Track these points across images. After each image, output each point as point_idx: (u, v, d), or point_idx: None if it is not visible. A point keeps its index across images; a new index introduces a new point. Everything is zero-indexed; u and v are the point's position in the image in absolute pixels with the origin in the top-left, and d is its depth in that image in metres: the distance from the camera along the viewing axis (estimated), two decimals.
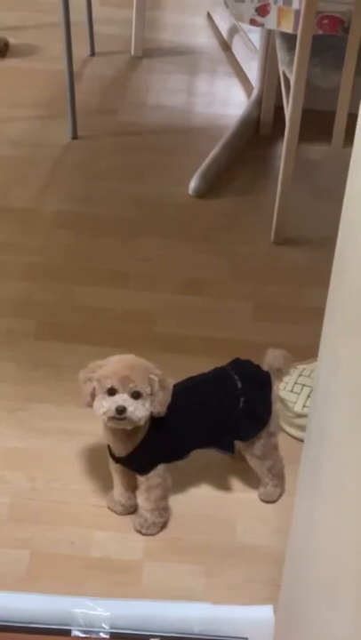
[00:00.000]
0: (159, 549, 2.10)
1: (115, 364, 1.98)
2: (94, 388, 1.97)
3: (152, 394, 1.97)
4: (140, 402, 1.95)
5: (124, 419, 1.94)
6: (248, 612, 1.95)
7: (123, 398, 1.94)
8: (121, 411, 1.93)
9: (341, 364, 1.31)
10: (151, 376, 1.98)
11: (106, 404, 1.94)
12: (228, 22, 3.86)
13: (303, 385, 2.34)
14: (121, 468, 2.10)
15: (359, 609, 1.21)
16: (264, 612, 1.92)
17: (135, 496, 2.11)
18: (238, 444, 2.14)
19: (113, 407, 1.93)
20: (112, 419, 1.95)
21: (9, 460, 2.27)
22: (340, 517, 1.31)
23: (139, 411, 1.95)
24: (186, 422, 2.07)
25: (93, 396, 1.97)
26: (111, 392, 1.95)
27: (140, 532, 2.12)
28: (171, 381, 2.02)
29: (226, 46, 3.87)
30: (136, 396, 1.95)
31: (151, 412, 1.98)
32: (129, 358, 2.00)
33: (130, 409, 1.93)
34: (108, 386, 1.95)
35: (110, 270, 2.80)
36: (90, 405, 1.98)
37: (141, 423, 1.97)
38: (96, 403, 1.96)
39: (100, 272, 2.79)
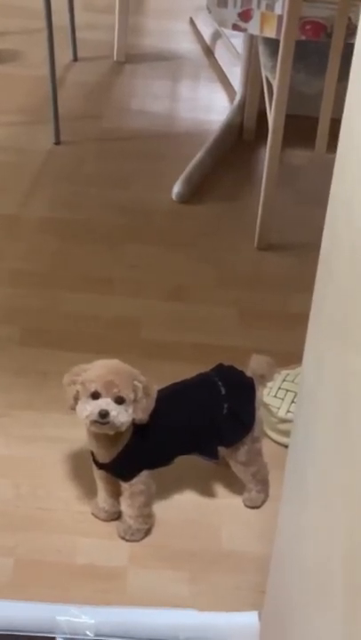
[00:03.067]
0: (144, 556, 2.10)
1: (99, 369, 1.98)
2: (78, 392, 1.96)
3: (135, 400, 1.97)
4: (123, 407, 1.94)
5: (107, 423, 1.94)
6: (233, 619, 1.95)
7: (106, 402, 1.93)
8: (104, 415, 1.92)
9: (326, 368, 1.31)
10: (135, 382, 1.97)
11: (89, 408, 1.94)
12: (211, 28, 3.86)
13: (287, 390, 2.34)
14: (104, 475, 2.09)
15: (346, 614, 1.21)
16: (249, 619, 1.92)
17: (119, 502, 2.11)
18: (222, 450, 2.13)
19: (96, 411, 1.93)
20: (94, 423, 1.95)
21: None
22: (326, 522, 1.31)
23: (121, 416, 1.94)
24: (169, 429, 2.06)
25: (77, 399, 1.97)
26: (95, 396, 1.94)
27: (124, 538, 2.11)
28: (155, 389, 2.01)
29: (209, 52, 3.88)
30: (119, 401, 1.94)
31: (133, 419, 1.98)
32: (114, 363, 2.00)
33: (113, 414, 1.93)
34: (92, 390, 1.95)
35: (95, 276, 2.80)
36: (73, 409, 1.97)
37: (123, 429, 1.97)
38: (79, 406, 1.96)
39: (86, 278, 2.79)
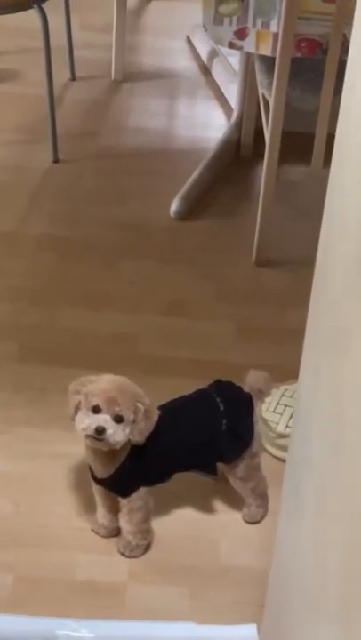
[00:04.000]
0: (143, 572, 2.10)
1: (105, 383, 1.98)
2: (80, 402, 1.96)
3: (134, 421, 1.97)
4: (120, 426, 1.94)
5: (102, 440, 1.94)
6: (232, 632, 1.95)
7: (105, 419, 1.93)
8: (100, 431, 1.93)
9: (321, 381, 1.32)
10: (138, 404, 1.97)
11: (87, 421, 1.94)
12: (208, 46, 3.88)
13: (286, 405, 2.34)
14: (103, 490, 2.10)
15: (345, 625, 1.21)
16: (248, 631, 1.92)
17: (118, 518, 2.11)
18: (221, 466, 2.14)
19: (93, 426, 1.93)
20: (89, 437, 1.95)
21: None
22: (323, 533, 1.32)
23: (117, 435, 1.94)
24: (168, 445, 2.06)
25: (77, 409, 1.97)
26: (95, 410, 1.94)
27: (123, 554, 2.11)
28: (157, 413, 2.01)
29: (206, 70, 3.89)
30: (118, 419, 1.94)
31: (129, 439, 1.98)
32: (121, 380, 2.00)
33: (109, 431, 1.93)
34: (94, 403, 1.95)
35: (94, 293, 2.81)
36: (72, 418, 1.97)
37: (117, 447, 1.97)
38: (78, 417, 1.96)
39: (84, 294, 2.79)
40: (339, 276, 1.22)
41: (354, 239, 1.15)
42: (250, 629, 1.92)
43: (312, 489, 1.39)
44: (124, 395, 1.96)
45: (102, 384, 1.97)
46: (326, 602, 1.28)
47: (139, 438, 1.98)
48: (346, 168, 1.20)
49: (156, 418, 2.00)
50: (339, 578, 1.22)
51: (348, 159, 1.19)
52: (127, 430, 1.95)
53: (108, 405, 1.94)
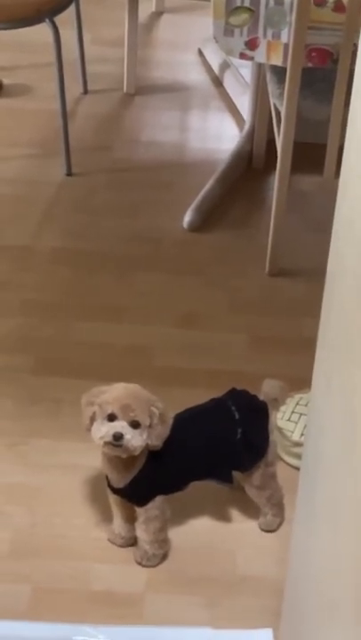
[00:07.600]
0: (160, 581, 2.11)
1: (118, 391, 1.99)
2: (94, 413, 1.97)
3: (150, 426, 1.98)
4: (138, 432, 1.96)
5: (120, 446, 1.95)
6: (248, 636, 1.95)
7: (121, 425, 1.95)
8: (118, 437, 1.94)
9: (333, 389, 1.32)
10: (152, 408, 1.98)
11: (104, 429, 1.95)
12: (219, 58, 3.89)
13: (301, 414, 2.34)
14: (120, 500, 2.10)
15: (357, 632, 1.21)
16: (264, 636, 1.92)
17: (135, 528, 2.11)
18: (237, 475, 2.14)
19: (110, 433, 1.94)
20: (108, 444, 1.96)
21: (9, 495, 2.27)
22: (336, 543, 1.32)
23: (135, 440, 1.95)
24: (184, 454, 2.07)
25: (93, 420, 1.98)
26: (111, 418, 1.96)
27: (140, 564, 2.12)
28: (171, 417, 2.02)
29: (217, 82, 3.91)
30: (135, 425, 1.96)
31: (147, 444, 1.99)
32: (133, 387, 2.01)
33: (127, 437, 1.94)
34: (109, 411, 1.96)
35: (107, 305, 2.82)
36: (88, 430, 1.98)
37: (136, 453, 1.98)
38: (94, 427, 1.97)
39: (98, 307, 2.80)
40: (349, 283, 1.23)
41: None
42: (266, 634, 1.93)
43: (324, 495, 1.39)
44: (138, 400, 1.97)
45: (115, 392, 1.98)
46: (341, 607, 1.29)
47: (156, 442, 1.99)
48: (354, 176, 1.21)
49: (170, 422, 2.01)
50: (352, 583, 1.23)
51: (357, 167, 1.19)
52: (144, 435, 1.97)
53: (123, 412, 1.96)
